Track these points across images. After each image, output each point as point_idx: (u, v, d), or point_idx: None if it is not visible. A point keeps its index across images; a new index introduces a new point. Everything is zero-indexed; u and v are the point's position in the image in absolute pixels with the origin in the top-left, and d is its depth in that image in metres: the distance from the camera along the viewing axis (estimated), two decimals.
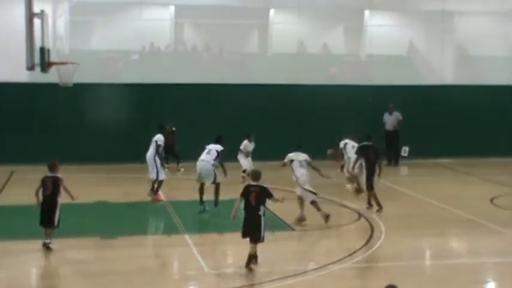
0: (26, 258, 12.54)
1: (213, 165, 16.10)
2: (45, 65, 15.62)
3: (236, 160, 20.08)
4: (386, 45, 28.87)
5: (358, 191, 17.64)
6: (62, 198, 12.87)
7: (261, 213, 11.59)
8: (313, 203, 15.03)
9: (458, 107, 24.96)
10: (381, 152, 17.43)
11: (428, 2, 30.00)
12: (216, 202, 16.18)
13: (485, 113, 25.19)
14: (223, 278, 11.60)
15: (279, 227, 14.75)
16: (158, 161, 17.14)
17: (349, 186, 17.95)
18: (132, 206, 17.07)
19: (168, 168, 20.51)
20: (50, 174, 12.84)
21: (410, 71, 28.52)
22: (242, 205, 11.70)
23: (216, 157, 16.11)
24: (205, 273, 11.80)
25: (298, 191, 15.17)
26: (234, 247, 13.07)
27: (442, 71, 29.72)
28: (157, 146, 17.30)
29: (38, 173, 13.68)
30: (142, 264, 12.27)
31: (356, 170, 17.37)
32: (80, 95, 21.61)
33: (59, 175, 12.88)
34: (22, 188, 18.69)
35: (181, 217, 15.68)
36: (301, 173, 15.14)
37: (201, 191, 16.21)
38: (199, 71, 26.28)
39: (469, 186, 20.78)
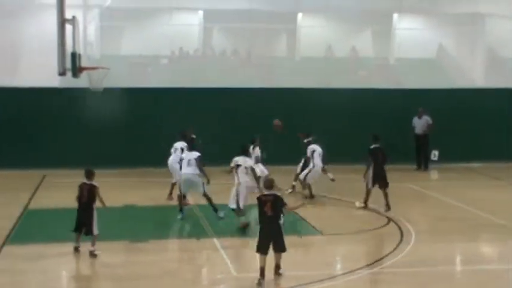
0: (57, 262, 12.69)
1: (198, 175, 15.56)
2: (77, 70, 15.83)
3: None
4: (416, 49, 28.76)
5: (309, 196, 17.96)
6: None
7: (281, 222, 11.28)
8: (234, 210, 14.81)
9: (489, 110, 24.66)
10: (387, 154, 17.31)
11: (458, 5, 29.78)
12: (214, 208, 15.72)
13: None
14: (251, 282, 11.61)
15: (307, 231, 14.73)
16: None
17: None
18: (160, 210, 17.18)
19: None
20: (86, 182, 12.90)
21: (440, 74, 28.36)
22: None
23: (197, 165, 15.44)
24: (234, 277, 11.84)
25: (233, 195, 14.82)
26: None
27: (473, 74, 29.49)
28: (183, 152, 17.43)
29: (70, 177, 13.87)
30: (171, 268, 12.35)
31: (369, 183, 17.06)
32: (109, 99, 21.79)
33: (95, 183, 12.94)
34: (54, 191, 19.00)
35: (209, 221, 15.73)
36: (245, 180, 14.66)
37: (181, 198, 15.85)
38: (228, 75, 26.39)
39: (500, 190, 20.51)
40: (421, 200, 19.41)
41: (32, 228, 15.26)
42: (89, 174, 12.99)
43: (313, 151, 18.08)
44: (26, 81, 23.29)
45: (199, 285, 11.84)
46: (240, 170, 14.71)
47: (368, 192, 17.10)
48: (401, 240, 14.12)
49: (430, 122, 23.64)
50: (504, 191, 20.53)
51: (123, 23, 28.37)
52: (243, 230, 14.57)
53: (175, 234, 15.45)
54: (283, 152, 20.44)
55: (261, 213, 11.25)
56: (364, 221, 15.97)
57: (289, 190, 18.35)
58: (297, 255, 12.35)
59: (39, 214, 16.50)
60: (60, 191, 19.00)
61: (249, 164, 14.77)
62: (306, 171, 18.12)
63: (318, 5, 28.54)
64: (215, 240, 14.03)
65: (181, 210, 15.81)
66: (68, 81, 18.98)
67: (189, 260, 12.97)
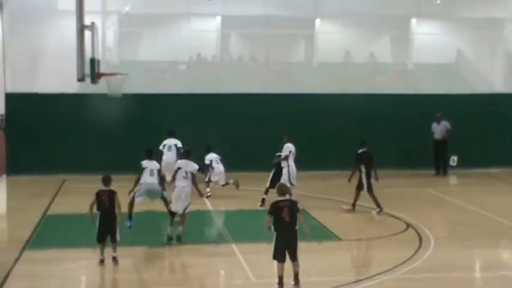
0: (76, 266, 12.76)
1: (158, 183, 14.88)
2: (95, 76, 15.95)
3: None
4: (434, 54, 28.65)
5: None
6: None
7: (297, 228, 11.07)
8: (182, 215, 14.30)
9: (508, 115, 24.53)
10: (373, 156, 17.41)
11: (476, 10, 29.62)
12: (171, 213, 14.69)
13: None
14: None
15: (326, 236, 14.70)
16: None
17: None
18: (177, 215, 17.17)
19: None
20: (104, 188, 12.84)
21: (458, 80, 28.22)
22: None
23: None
24: (253, 282, 11.83)
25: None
26: None
27: (492, 79, 29.31)
28: (178, 149, 18.53)
29: (89, 182, 13.91)
30: (190, 274, 12.37)
31: (365, 187, 17.11)
32: (128, 105, 21.89)
33: (114, 188, 12.93)
34: (73, 197, 19.10)
35: (228, 226, 15.74)
36: (183, 185, 14.16)
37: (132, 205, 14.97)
38: (245, 80, 26.42)
39: None
40: (439, 206, 19.32)
41: (51, 233, 15.34)
42: (107, 180, 12.93)
43: (290, 151, 17.76)
44: (45, 87, 23.46)
45: None
46: (179, 173, 14.21)
47: (357, 195, 17.22)
48: (420, 245, 14.05)
49: (449, 127, 23.52)
50: None
51: (141, 29, 28.53)
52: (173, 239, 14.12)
53: (193, 239, 15.45)
54: (309, 156, 20.48)
55: (278, 219, 11.03)
56: (383, 226, 15.91)
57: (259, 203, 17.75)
58: (316, 261, 12.30)
59: (58, 219, 16.61)
60: (79, 197, 19.02)
61: (189, 168, 14.27)
62: (285, 176, 17.43)
63: (336, 10, 28.53)
64: (233, 246, 14.03)
65: (130, 217, 14.98)
66: (87, 87, 19.13)
67: (207, 265, 12.98)
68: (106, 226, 12.62)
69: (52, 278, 12.08)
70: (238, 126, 23.10)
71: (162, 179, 15.31)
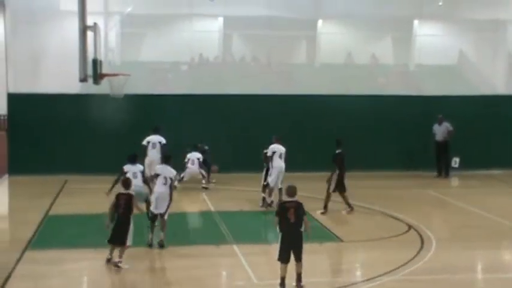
0: (78, 267, 12.76)
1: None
2: (98, 77, 15.92)
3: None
4: (436, 55, 28.65)
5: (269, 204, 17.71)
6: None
7: (302, 229, 11.15)
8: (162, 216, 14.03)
9: (510, 117, 24.49)
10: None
11: (479, 11, 29.62)
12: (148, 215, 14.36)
13: None
14: None
15: (327, 238, 14.69)
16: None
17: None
18: (179, 216, 17.17)
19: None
20: (124, 192, 12.83)
21: (460, 81, 28.20)
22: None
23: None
24: (254, 284, 11.81)
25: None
26: None
27: (494, 80, 29.30)
28: (162, 146, 18.85)
29: (90, 182, 13.92)
30: (191, 275, 12.35)
31: (332, 187, 17.03)
32: (130, 106, 21.89)
33: (132, 192, 12.94)
34: (75, 197, 19.13)
35: (229, 227, 15.74)
36: (160, 191, 13.95)
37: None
38: (247, 81, 26.43)
39: None
40: (441, 207, 19.31)
41: (53, 234, 15.34)
42: (126, 184, 12.94)
43: (274, 152, 17.71)
44: (47, 87, 23.48)
45: None
46: (159, 179, 14.03)
47: (328, 196, 17.13)
48: (421, 247, 14.04)
49: (451, 128, 23.50)
50: None
51: (143, 30, 28.55)
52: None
53: (194, 240, 15.45)
54: (310, 157, 20.46)
55: (283, 220, 11.11)
56: (385, 228, 15.90)
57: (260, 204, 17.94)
58: (317, 262, 12.29)
59: (60, 220, 16.60)
60: (80, 197, 19.14)
61: (168, 174, 14.08)
62: (264, 174, 17.69)
63: (338, 12, 28.54)
64: (235, 247, 14.02)
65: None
66: (89, 88, 19.12)
67: (209, 266, 12.98)
68: (118, 229, 12.59)
69: (54, 278, 12.08)
70: (239, 127, 23.10)
71: (146, 181, 15.06)
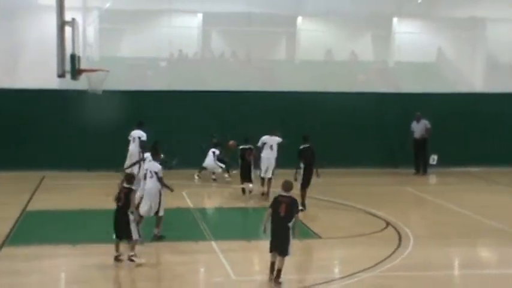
0: (56, 263, 12.69)
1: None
2: (76, 72, 15.83)
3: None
4: (415, 53, 28.77)
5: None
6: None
7: (290, 225, 11.31)
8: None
9: (488, 115, 24.69)
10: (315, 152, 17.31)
11: (458, 9, 29.80)
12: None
13: None
14: (250, 286, 11.61)
15: (306, 234, 14.72)
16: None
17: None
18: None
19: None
20: (126, 185, 12.81)
21: (439, 79, 28.35)
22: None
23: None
24: (233, 280, 11.82)
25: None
26: (261, 254, 13.01)
27: (472, 78, 29.49)
28: (141, 141, 19.02)
29: (68, 178, 13.83)
30: (169, 271, 12.34)
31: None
32: (109, 101, 21.73)
33: (134, 187, 12.93)
34: (53, 193, 19.01)
35: (208, 224, 15.73)
36: (149, 187, 13.98)
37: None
38: (227, 78, 26.37)
39: (499, 195, 20.52)
40: (419, 204, 19.44)
41: (31, 230, 15.23)
42: (130, 178, 12.99)
43: (264, 143, 18.30)
44: (25, 82, 23.24)
45: None
46: (147, 175, 14.04)
47: (303, 193, 17.04)
48: (399, 244, 14.12)
49: (429, 126, 23.66)
50: (503, 195, 20.53)
51: (122, 26, 28.36)
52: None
53: (173, 237, 15.40)
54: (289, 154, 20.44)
55: (274, 213, 11.34)
56: (363, 224, 15.97)
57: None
58: (296, 259, 12.31)
59: (38, 216, 16.49)
60: (58, 193, 19.03)
61: (153, 169, 14.06)
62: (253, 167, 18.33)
63: (318, 8, 28.54)
64: (213, 244, 14.02)
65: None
66: (67, 83, 18.99)
67: (187, 263, 12.96)
68: (119, 224, 12.61)
69: (31, 274, 12.01)
70: (219, 124, 23.04)
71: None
